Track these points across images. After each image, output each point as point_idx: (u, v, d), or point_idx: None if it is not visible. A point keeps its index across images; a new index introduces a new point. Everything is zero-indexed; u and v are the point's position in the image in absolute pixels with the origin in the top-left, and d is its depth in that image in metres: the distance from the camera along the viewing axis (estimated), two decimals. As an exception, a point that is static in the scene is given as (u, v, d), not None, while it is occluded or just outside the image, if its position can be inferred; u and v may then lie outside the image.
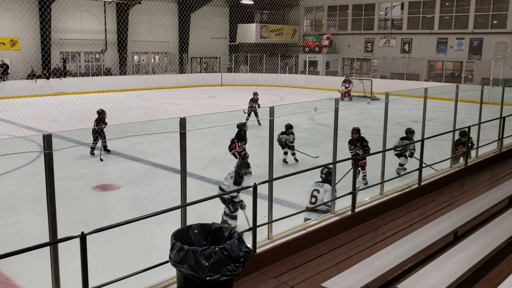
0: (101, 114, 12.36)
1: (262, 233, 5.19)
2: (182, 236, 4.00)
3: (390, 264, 4.51)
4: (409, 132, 10.89)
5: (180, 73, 32.98)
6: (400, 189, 7.31)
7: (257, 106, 17.25)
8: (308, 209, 6.66)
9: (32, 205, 8.26)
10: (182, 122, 4.72)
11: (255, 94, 17.63)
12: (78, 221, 7.20)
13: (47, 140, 3.60)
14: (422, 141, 7.76)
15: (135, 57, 32.04)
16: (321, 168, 6.82)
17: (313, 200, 6.67)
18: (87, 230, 3.69)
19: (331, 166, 6.36)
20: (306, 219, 6.42)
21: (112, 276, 4.03)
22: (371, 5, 33.07)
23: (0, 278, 5.47)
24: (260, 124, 16.83)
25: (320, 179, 6.85)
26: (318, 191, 6.70)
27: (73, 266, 4.49)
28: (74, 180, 9.58)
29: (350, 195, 6.09)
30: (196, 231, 4.11)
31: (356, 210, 6.05)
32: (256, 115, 16.81)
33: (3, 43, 25.68)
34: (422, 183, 7.41)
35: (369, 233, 5.67)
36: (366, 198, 6.82)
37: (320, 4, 35.46)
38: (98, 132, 11.55)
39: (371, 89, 25.18)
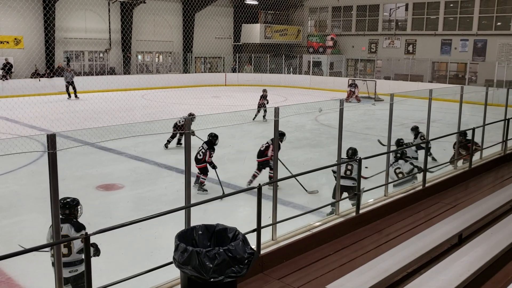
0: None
1: (266, 234, 5.18)
2: (186, 237, 3.98)
3: (395, 266, 4.48)
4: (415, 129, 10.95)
5: (184, 73, 33.00)
6: (404, 190, 7.29)
7: (266, 102, 17.90)
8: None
9: (35, 205, 8.27)
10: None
11: (265, 91, 18.27)
12: (81, 221, 7.18)
13: (51, 139, 3.59)
14: (427, 142, 7.73)
15: (139, 57, 32.07)
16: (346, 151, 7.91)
17: (350, 168, 7.76)
18: (91, 230, 3.68)
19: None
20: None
21: (115, 276, 4.02)
22: (375, 6, 33.02)
23: (3, 278, 5.47)
24: (266, 120, 17.07)
25: (346, 156, 7.83)
26: (351, 165, 7.73)
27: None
28: (77, 179, 9.58)
29: (354, 197, 6.06)
30: (200, 232, 4.09)
31: (361, 211, 6.03)
32: (265, 111, 17.49)
33: (7, 42, 25.73)
34: (426, 185, 7.38)
35: (374, 235, 5.64)
36: (370, 200, 6.80)
37: (325, 5, 35.43)
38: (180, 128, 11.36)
39: (375, 90, 25.13)
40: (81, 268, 4.40)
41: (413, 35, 31.63)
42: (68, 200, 4.87)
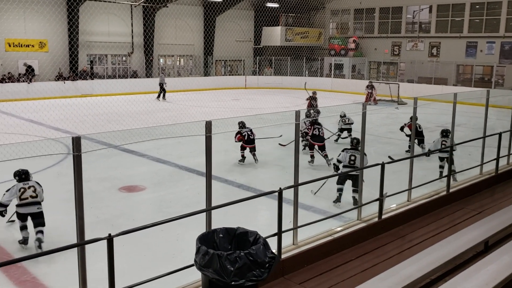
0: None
1: (287, 238, 5.15)
2: (207, 240, 3.99)
3: (418, 273, 4.41)
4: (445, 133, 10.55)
5: (205, 75, 33.21)
6: (428, 196, 7.17)
7: (315, 104, 17.69)
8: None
9: (60, 206, 8.39)
10: (208, 125, 4.72)
11: (314, 93, 18.09)
12: (104, 222, 7.28)
13: (76, 142, 3.64)
14: (451, 147, 7.60)
15: (161, 60, 32.40)
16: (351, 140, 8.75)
17: (353, 158, 8.31)
18: (114, 231, 3.71)
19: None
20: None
21: (137, 278, 4.04)
22: (398, 8, 32.65)
23: (28, 277, 5.56)
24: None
25: (350, 147, 8.55)
26: (354, 156, 8.28)
27: (99, 267, 4.53)
28: (101, 181, 9.70)
29: (377, 202, 5.99)
30: (221, 235, 4.10)
31: (383, 216, 5.95)
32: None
33: (32, 45, 26.30)
34: (451, 190, 7.25)
35: (396, 241, 5.56)
36: (393, 205, 6.71)
37: (347, 7, 35.22)
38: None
39: (398, 93, 24.85)
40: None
41: (437, 38, 31.18)
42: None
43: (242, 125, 11.70)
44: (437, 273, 4.64)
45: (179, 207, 8.18)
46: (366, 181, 6.82)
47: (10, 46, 25.54)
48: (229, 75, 35.05)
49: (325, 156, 11.48)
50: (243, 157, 11.50)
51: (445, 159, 9.58)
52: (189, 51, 33.29)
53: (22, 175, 7.00)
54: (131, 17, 29.65)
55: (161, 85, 25.98)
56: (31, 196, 6.73)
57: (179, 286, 4.44)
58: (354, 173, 7.92)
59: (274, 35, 35.12)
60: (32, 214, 6.69)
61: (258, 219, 7.92)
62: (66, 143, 13.37)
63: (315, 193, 8.73)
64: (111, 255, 3.52)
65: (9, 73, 25.17)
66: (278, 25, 35.27)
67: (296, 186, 5.29)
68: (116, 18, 29.21)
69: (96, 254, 4.35)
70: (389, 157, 10.41)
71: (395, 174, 8.51)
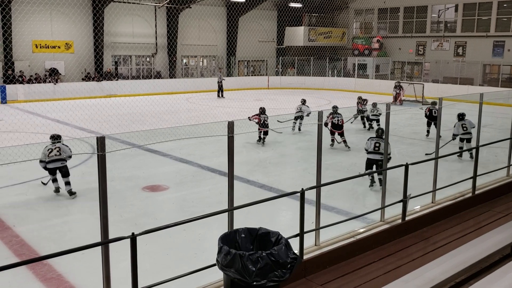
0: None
1: (308, 239, 5.13)
2: (229, 240, 4.01)
3: (442, 276, 4.34)
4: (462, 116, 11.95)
5: (228, 76, 33.34)
6: (453, 197, 7.05)
7: (364, 107, 17.65)
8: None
9: (84, 204, 8.54)
10: (230, 125, 4.73)
11: (360, 98, 17.96)
12: (128, 221, 7.38)
13: (101, 142, 3.70)
14: (477, 148, 7.45)
15: (184, 61, 32.67)
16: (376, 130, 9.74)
17: (377, 145, 9.15)
18: (137, 230, 3.76)
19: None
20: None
21: (160, 276, 4.09)
22: (423, 7, 32.19)
23: (54, 274, 5.67)
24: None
25: (375, 135, 9.46)
26: (379, 143, 9.16)
27: (122, 266, 4.59)
28: (124, 180, 9.83)
29: (400, 203, 5.92)
30: (243, 235, 4.11)
31: (407, 218, 5.87)
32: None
33: (58, 46, 26.82)
34: (477, 192, 7.11)
35: (420, 243, 5.48)
36: (417, 207, 6.62)
37: (371, 7, 34.89)
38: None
39: (423, 93, 24.49)
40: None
41: (463, 37, 30.61)
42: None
43: (262, 110, 14.05)
44: (462, 276, 4.55)
45: (201, 207, 8.24)
46: (389, 182, 6.73)
47: (37, 47, 26.11)
48: (252, 75, 35.11)
49: (344, 141, 13.11)
50: (260, 137, 13.77)
51: (465, 140, 11.61)
52: (212, 52, 33.48)
53: (53, 138, 8.80)
54: (155, 18, 29.97)
55: (219, 83, 27.07)
56: (56, 155, 8.66)
57: (201, 286, 4.46)
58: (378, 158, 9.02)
59: (297, 35, 35.02)
60: (58, 168, 8.70)
61: (280, 219, 7.92)
62: (91, 142, 13.60)
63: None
64: (134, 254, 3.56)
65: (36, 74, 25.72)
66: (301, 25, 35.16)
67: (318, 187, 5.27)
68: (140, 19, 29.58)
69: (119, 253, 4.41)
70: (427, 154, 11.64)
71: (419, 175, 8.41)
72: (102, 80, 26.83)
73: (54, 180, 8.81)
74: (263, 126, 13.63)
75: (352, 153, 12.79)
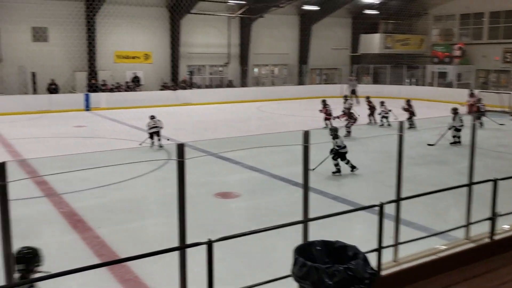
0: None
1: (386, 255, 4.89)
2: (304, 252, 3.92)
3: (538, 303, 3.94)
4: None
5: (299, 84, 33.25)
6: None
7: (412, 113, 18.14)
8: None
9: (161, 209, 8.79)
10: (306, 135, 4.63)
11: (408, 101, 18.73)
12: (201, 227, 7.46)
13: (180, 149, 3.74)
14: None
15: (256, 70, 33.03)
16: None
17: None
18: (210, 236, 3.75)
19: None
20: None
21: (233, 284, 4.06)
22: (511, 11, 30.23)
23: (131, 276, 5.84)
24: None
25: None
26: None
27: (195, 271, 4.62)
28: (198, 186, 10.00)
29: (488, 221, 5.49)
30: (318, 248, 4.01)
31: (496, 237, 5.43)
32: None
33: (138, 57, 28.16)
34: None
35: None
36: (506, 226, 6.11)
37: (452, 12, 33.36)
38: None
39: (510, 103, 23.01)
40: None
41: (556, 43, 28.43)
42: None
43: (325, 102, 17.83)
44: (561, 305, 4.12)
45: (273, 216, 8.18)
46: (475, 198, 6.29)
47: (118, 58, 27.56)
48: (325, 83, 34.74)
49: None
50: (327, 124, 16.63)
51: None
52: (284, 60, 33.57)
53: (152, 117, 14.70)
54: (228, 29, 30.61)
55: (353, 91, 28.07)
56: (154, 125, 14.45)
57: (275, 296, 4.38)
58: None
59: (373, 43, 34.25)
60: (156, 132, 14.41)
61: (354, 232, 7.67)
62: (167, 149, 14.05)
63: (314, 169, 10.24)
64: (210, 259, 3.55)
65: (117, 83, 27.15)
66: (377, 32, 34.35)
67: (398, 200, 5.01)
68: (215, 30, 30.32)
69: (192, 258, 4.44)
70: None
71: (508, 192, 7.81)
72: (177, 89, 27.76)
73: (151, 138, 14.42)
74: (329, 115, 16.58)
75: (432, 165, 12.21)
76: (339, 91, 31.29)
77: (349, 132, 16.12)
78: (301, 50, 33.58)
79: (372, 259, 4.49)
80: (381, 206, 4.52)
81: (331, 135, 11.44)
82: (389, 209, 5.13)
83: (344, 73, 35.23)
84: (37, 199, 9.12)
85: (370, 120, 19.24)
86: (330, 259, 3.96)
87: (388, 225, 5.14)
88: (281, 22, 32.01)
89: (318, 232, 5.40)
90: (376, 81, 33.66)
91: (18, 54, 24.05)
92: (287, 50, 33.29)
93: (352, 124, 16.38)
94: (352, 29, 35.28)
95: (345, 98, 20.13)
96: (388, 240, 5.05)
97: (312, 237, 4.26)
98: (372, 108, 19.29)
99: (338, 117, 16.86)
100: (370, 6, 32.43)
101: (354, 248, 3.87)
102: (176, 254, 3.80)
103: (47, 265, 5.08)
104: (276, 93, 30.11)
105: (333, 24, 33.76)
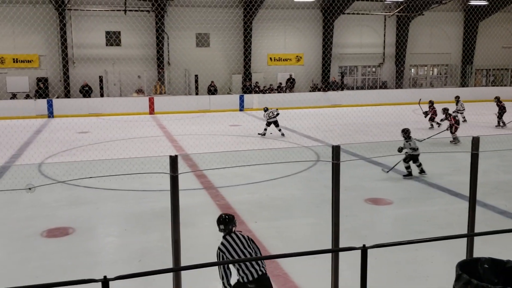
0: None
1: None
2: (469, 268, 3.58)
3: None
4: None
5: (461, 86, 30.73)
6: None
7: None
8: None
9: (309, 209, 8.82)
10: (475, 141, 4.19)
11: (431, 102, 18.72)
12: (350, 231, 7.30)
13: (336, 151, 3.67)
14: None
15: (412, 70, 31.41)
16: None
17: None
18: (359, 242, 3.62)
19: None
20: None
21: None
22: None
23: (280, 272, 5.94)
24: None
25: None
26: None
27: (345, 274, 4.50)
28: (347, 190, 9.80)
29: None
30: (486, 266, 3.65)
31: None
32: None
33: (290, 59, 28.85)
34: None
35: None
36: None
37: None
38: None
39: None
40: None
41: None
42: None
43: (432, 103, 18.22)
44: None
45: (426, 226, 7.64)
46: None
47: (271, 60, 28.58)
48: (492, 85, 31.55)
49: None
50: (432, 125, 17.42)
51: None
52: (445, 60, 31.37)
53: (265, 109, 16.81)
54: (384, 28, 29.64)
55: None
56: (270, 116, 16.20)
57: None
58: None
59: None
60: (273, 122, 16.15)
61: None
62: (316, 150, 14.09)
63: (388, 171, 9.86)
64: (364, 265, 3.41)
65: (270, 85, 28.17)
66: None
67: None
68: (369, 29, 29.61)
69: (342, 262, 4.33)
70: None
71: None
72: (327, 91, 27.75)
73: (268, 126, 16.49)
74: (457, 123, 14.92)
75: None
76: (511, 94, 28.11)
77: (455, 138, 14.94)
78: (465, 49, 30.98)
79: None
80: None
81: (404, 136, 10.90)
82: None
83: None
84: (197, 190, 9.86)
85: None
86: (500, 279, 3.57)
87: None
88: (442, 20, 29.94)
89: (482, 248, 4.87)
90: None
91: (183, 59, 26.43)
92: (448, 49, 31.03)
93: (455, 129, 15.01)
94: (526, 24, 31.53)
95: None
96: None
97: (476, 253, 3.83)
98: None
99: (447, 119, 15.74)
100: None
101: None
102: (325, 255, 3.74)
103: (203, 255, 5.43)
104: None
105: (504, 20, 30.49)
